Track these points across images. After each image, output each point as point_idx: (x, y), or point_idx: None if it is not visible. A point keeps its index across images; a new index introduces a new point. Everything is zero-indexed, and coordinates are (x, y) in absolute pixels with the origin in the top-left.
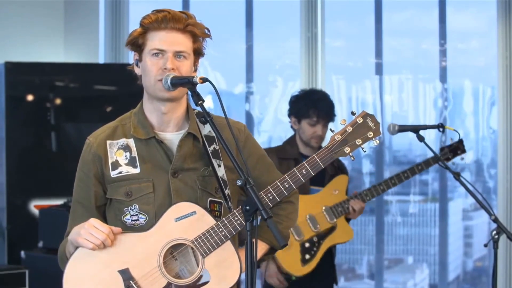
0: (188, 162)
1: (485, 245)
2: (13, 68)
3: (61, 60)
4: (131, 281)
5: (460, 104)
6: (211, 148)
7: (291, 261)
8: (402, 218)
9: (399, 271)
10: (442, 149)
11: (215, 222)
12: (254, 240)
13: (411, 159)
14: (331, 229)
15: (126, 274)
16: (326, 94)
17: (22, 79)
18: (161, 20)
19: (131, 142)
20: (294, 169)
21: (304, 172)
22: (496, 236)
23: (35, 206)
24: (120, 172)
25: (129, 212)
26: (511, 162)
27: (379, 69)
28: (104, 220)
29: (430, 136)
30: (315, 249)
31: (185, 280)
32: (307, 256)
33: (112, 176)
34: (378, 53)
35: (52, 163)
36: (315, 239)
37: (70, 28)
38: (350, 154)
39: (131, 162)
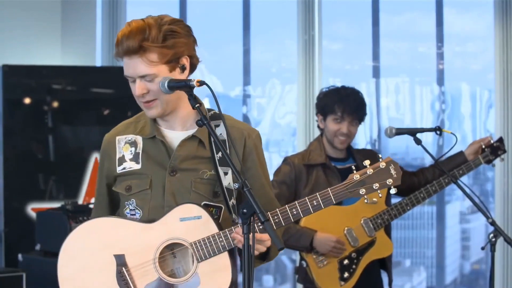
0: (187, 163)
1: (483, 248)
2: (10, 71)
3: (58, 63)
4: (123, 268)
5: (458, 107)
6: (219, 154)
7: (329, 280)
8: (399, 221)
9: (397, 274)
10: (483, 150)
11: (218, 231)
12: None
13: (409, 162)
14: (371, 243)
15: (121, 260)
16: (356, 90)
17: (20, 82)
18: (119, 43)
19: (139, 138)
20: (306, 198)
21: (315, 204)
22: (494, 239)
23: (32, 209)
24: (124, 168)
25: (128, 206)
26: (508, 165)
27: (376, 72)
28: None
29: (427, 139)
30: (354, 266)
31: (175, 279)
32: (346, 275)
33: (118, 172)
34: (375, 56)
35: (49, 166)
36: (353, 255)
37: (67, 31)
38: (365, 196)
39: (135, 158)
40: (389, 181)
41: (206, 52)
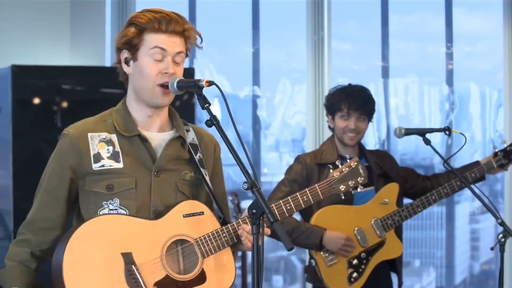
0: (171, 163)
1: (492, 248)
2: (19, 71)
3: (67, 63)
4: (133, 266)
5: (467, 107)
6: (197, 156)
7: (337, 279)
8: (409, 221)
9: (406, 274)
10: (495, 154)
11: (220, 226)
12: (260, 243)
13: (418, 162)
14: (380, 244)
15: (129, 258)
16: (363, 87)
17: (29, 82)
18: (159, 21)
19: (114, 137)
20: (297, 193)
21: (305, 199)
22: (503, 239)
23: None
24: (103, 165)
25: (108, 206)
26: None
27: (385, 72)
28: (73, 214)
29: (436, 139)
30: (363, 266)
31: (183, 276)
32: (355, 275)
33: (94, 169)
34: (384, 56)
35: None
36: (363, 255)
37: (76, 31)
38: (342, 192)
39: (114, 157)
40: (360, 179)
41: (215, 52)
